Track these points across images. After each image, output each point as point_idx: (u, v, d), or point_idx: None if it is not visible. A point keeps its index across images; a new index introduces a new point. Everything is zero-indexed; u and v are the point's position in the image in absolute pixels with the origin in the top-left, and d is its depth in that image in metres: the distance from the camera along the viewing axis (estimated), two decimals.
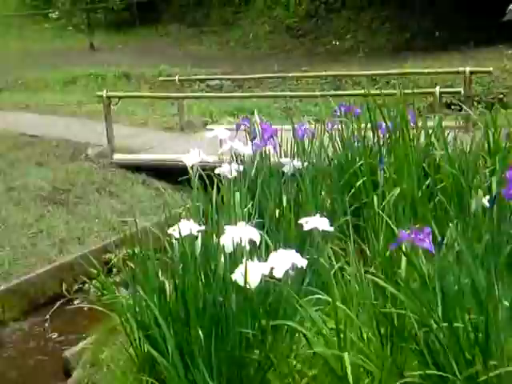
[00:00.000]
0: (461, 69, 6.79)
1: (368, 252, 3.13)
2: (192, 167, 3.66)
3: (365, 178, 3.66)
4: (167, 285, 2.83)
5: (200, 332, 2.56)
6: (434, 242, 2.40)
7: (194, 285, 2.71)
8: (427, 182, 3.58)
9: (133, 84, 13.52)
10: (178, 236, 2.86)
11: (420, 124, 3.99)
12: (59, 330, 4.43)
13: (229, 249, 2.74)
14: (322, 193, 3.90)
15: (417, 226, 2.88)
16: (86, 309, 4.52)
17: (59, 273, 4.97)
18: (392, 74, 9.33)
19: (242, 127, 4.33)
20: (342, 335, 2.44)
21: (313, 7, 17.16)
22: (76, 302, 4.82)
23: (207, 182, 3.70)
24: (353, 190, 3.78)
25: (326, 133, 4.26)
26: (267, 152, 4.09)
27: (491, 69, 7.17)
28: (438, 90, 5.77)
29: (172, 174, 6.59)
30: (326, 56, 14.78)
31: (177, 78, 8.71)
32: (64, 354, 3.70)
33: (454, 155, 3.57)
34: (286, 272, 2.56)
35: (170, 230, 2.93)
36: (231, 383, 2.62)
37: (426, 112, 4.89)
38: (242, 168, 3.79)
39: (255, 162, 3.96)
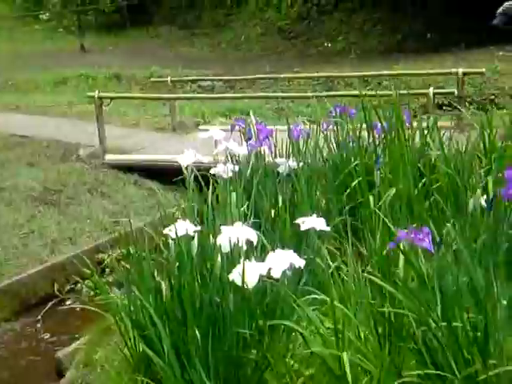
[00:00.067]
0: (454, 70, 6.81)
1: (364, 251, 3.12)
2: (187, 167, 3.65)
3: (360, 178, 3.65)
4: (163, 285, 2.80)
5: (197, 332, 2.53)
6: (432, 242, 2.40)
7: (190, 285, 2.69)
8: (423, 181, 3.58)
9: (123, 85, 13.48)
10: (174, 236, 2.85)
11: (415, 124, 3.99)
12: (51, 331, 4.39)
13: (226, 249, 2.73)
14: (317, 193, 3.90)
15: (413, 225, 2.89)
16: (78, 309, 4.49)
17: (51, 273, 4.93)
18: (385, 75, 9.33)
19: (237, 128, 4.33)
20: (340, 335, 2.43)
21: (305, 9, 17.18)
22: (68, 303, 4.78)
23: (202, 182, 3.68)
24: (348, 190, 3.77)
25: (321, 133, 4.25)
26: (262, 152, 4.08)
27: (484, 70, 7.20)
28: (431, 90, 5.78)
29: (164, 174, 6.57)
30: (318, 57, 14.80)
31: (169, 79, 8.69)
32: (57, 355, 3.66)
33: (449, 155, 3.57)
34: (284, 272, 2.55)
35: (165, 230, 2.91)
36: (228, 383, 2.60)
37: (421, 113, 4.89)
38: (237, 168, 3.78)
39: (250, 163, 3.95)
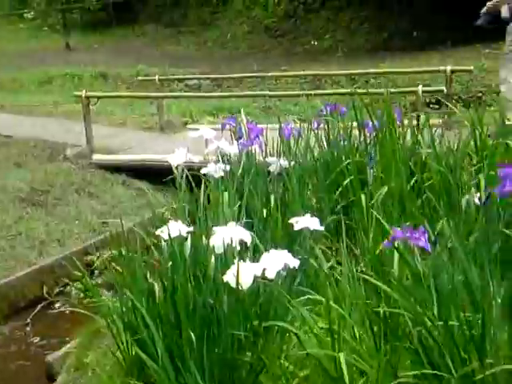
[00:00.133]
0: (442, 68, 6.82)
1: (358, 250, 3.11)
2: (177, 167, 3.62)
3: (352, 177, 3.64)
4: (156, 287, 2.77)
5: (192, 334, 2.51)
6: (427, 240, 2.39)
7: (183, 286, 2.66)
8: (414, 180, 3.57)
9: (110, 84, 13.40)
10: (166, 237, 2.82)
11: (406, 122, 3.98)
12: (41, 334, 4.34)
13: (219, 250, 2.70)
14: (308, 192, 3.88)
15: (407, 223, 2.88)
16: (67, 312, 4.44)
17: (40, 275, 4.87)
18: (373, 74, 9.34)
19: (227, 126, 4.30)
20: (335, 335, 2.41)
21: (291, 7, 17.16)
22: (57, 305, 4.73)
23: (192, 182, 3.65)
24: (340, 189, 3.76)
25: (312, 132, 4.24)
26: (253, 151, 4.06)
27: (472, 67, 7.22)
28: (420, 88, 5.79)
29: (152, 174, 6.53)
30: (305, 56, 14.79)
31: (157, 77, 8.64)
32: (47, 359, 3.62)
33: (441, 153, 3.57)
34: (278, 272, 2.53)
35: (158, 231, 2.88)
36: None
37: (410, 111, 4.89)
38: (228, 168, 3.76)
39: (242, 162, 3.92)
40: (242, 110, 4.32)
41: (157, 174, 6.19)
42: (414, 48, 12.65)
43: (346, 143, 4.00)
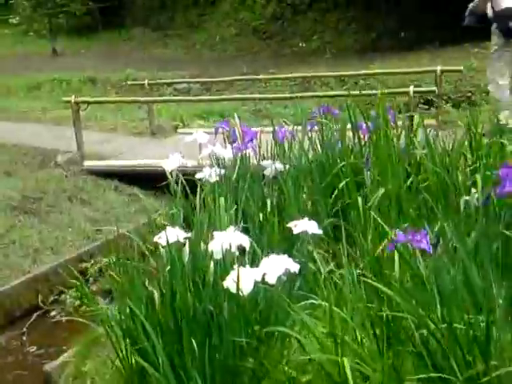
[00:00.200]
0: (432, 68, 6.84)
1: (356, 253, 3.10)
2: (171, 172, 3.60)
3: (348, 179, 3.63)
4: (156, 294, 2.75)
5: (194, 342, 2.49)
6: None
7: (183, 293, 2.64)
8: (410, 180, 3.57)
9: (99, 89, 13.34)
10: (163, 243, 2.80)
11: (400, 123, 3.99)
12: (38, 343, 4.29)
13: (218, 255, 2.69)
14: (304, 196, 3.87)
15: (405, 225, 2.87)
16: (64, 320, 4.40)
17: (34, 284, 4.82)
18: (363, 75, 9.35)
19: (220, 130, 4.29)
20: (338, 340, 2.40)
21: (279, 9, 17.17)
22: (53, 314, 4.69)
23: (187, 187, 3.63)
24: (336, 192, 3.75)
25: (306, 135, 4.23)
26: (247, 155, 4.05)
27: (462, 68, 7.24)
28: (412, 89, 5.80)
29: (144, 179, 6.50)
30: (293, 57, 14.80)
31: (146, 82, 8.60)
32: (45, 368, 3.58)
33: (436, 153, 3.57)
34: (279, 277, 2.52)
35: (155, 238, 2.86)
36: None
37: (405, 111, 4.89)
38: (223, 172, 3.75)
39: (236, 166, 3.91)
40: (235, 114, 4.29)
41: (149, 180, 6.17)
42: (403, 48, 12.69)
43: (340, 145, 4.00)
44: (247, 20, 17.53)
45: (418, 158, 3.80)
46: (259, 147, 4.16)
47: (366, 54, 13.35)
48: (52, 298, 4.83)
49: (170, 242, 2.76)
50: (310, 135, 4.23)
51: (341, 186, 3.69)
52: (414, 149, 3.85)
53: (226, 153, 3.95)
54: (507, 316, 2.25)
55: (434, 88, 6.22)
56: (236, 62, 14.52)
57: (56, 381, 3.45)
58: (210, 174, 3.69)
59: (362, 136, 3.94)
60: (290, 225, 2.89)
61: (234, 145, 4.02)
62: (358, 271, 2.70)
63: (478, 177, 3.17)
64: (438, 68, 6.63)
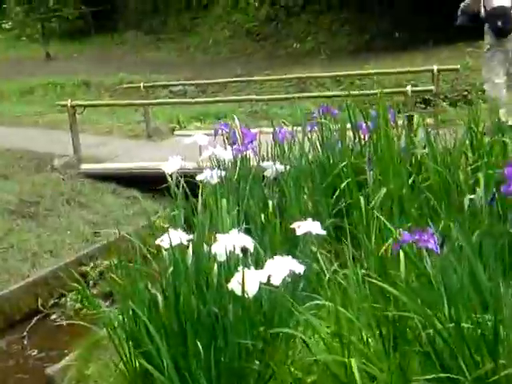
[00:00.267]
0: (429, 67, 6.85)
1: (359, 253, 3.09)
2: (171, 175, 3.59)
3: (349, 180, 3.63)
4: (159, 296, 2.73)
5: (199, 344, 2.47)
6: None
7: (186, 295, 2.63)
8: (411, 179, 3.56)
9: (92, 92, 13.30)
10: (166, 246, 2.78)
11: (400, 123, 3.99)
12: (39, 347, 4.27)
13: (222, 257, 2.67)
14: (305, 196, 3.86)
15: (408, 224, 2.87)
16: (64, 323, 4.38)
17: (34, 288, 4.80)
18: (359, 75, 9.36)
19: (219, 131, 4.28)
20: (344, 340, 2.39)
21: (272, 11, 17.17)
22: (53, 317, 4.66)
23: (187, 189, 3.62)
24: (337, 192, 3.74)
25: (306, 135, 4.22)
26: (247, 156, 4.04)
27: (459, 66, 7.26)
28: (409, 88, 5.80)
29: (141, 182, 6.48)
30: (287, 59, 14.80)
31: (142, 84, 8.58)
32: (47, 372, 3.55)
33: (438, 152, 3.57)
34: (284, 279, 2.51)
35: (157, 241, 2.84)
36: None
37: (404, 111, 4.90)
38: (223, 174, 3.73)
39: (237, 168, 3.90)
40: (234, 116, 4.28)
41: (146, 182, 6.15)
42: (397, 48, 12.70)
43: (340, 145, 3.99)
44: (240, 22, 17.52)
45: (419, 157, 3.80)
46: (259, 148, 4.15)
47: (360, 54, 13.36)
48: (52, 301, 4.81)
49: (173, 244, 2.74)
50: (309, 136, 4.23)
51: (342, 186, 3.68)
52: (415, 148, 3.85)
53: (227, 154, 3.94)
54: None
55: (432, 87, 6.23)
56: (230, 64, 14.51)
57: None
58: (210, 176, 3.67)
59: (362, 136, 3.93)
60: (294, 226, 2.88)
61: (234, 146, 4.01)
62: (363, 271, 2.69)
63: (481, 175, 3.16)
64: (435, 67, 6.65)
